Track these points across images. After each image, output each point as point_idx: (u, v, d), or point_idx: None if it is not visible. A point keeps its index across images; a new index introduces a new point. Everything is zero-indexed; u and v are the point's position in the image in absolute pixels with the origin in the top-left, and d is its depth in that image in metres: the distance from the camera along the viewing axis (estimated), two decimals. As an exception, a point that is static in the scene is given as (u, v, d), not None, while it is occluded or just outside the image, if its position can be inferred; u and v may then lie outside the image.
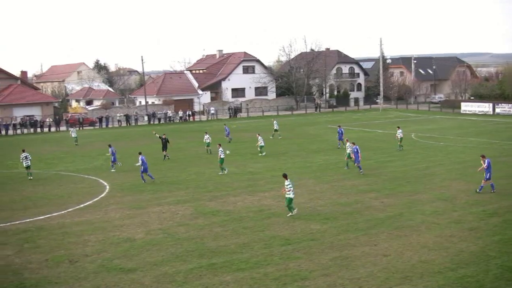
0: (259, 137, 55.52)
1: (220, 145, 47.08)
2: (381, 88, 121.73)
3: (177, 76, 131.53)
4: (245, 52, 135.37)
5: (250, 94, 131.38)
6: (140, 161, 43.02)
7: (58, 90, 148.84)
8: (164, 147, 54.42)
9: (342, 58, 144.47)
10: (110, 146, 50.88)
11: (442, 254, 24.09)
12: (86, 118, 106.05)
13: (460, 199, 34.34)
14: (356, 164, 44.12)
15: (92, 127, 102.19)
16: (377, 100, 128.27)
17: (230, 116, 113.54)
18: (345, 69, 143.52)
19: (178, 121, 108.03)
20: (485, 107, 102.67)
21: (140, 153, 43.96)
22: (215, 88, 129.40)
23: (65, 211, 34.56)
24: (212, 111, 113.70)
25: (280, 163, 50.68)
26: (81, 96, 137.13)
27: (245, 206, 34.11)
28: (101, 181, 44.25)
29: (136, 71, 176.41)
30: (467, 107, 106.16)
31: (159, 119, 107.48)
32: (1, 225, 31.81)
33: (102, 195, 39.22)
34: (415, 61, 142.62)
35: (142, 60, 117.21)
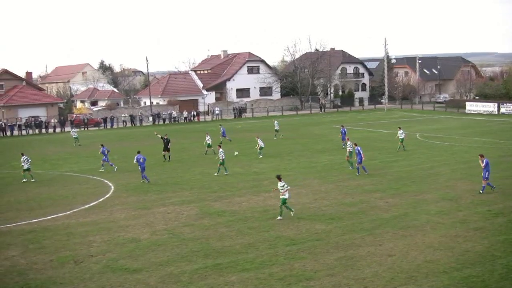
0: (258, 140, 55.33)
1: (220, 146, 47.01)
2: (386, 88, 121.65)
3: (181, 76, 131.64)
4: (249, 53, 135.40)
5: (255, 94, 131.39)
6: (135, 160, 43.19)
7: (63, 90, 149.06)
8: (165, 148, 54.24)
9: (347, 58, 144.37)
10: (102, 146, 50.99)
11: (447, 254, 24.05)
12: (91, 118, 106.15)
13: (465, 199, 34.28)
14: (357, 164, 43.93)
15: (97, 128, 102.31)
16: (381, 100, 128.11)
17: (235, 116, 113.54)
18: (350, 69, 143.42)
19: (183, 121, 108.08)
20: (490, 107, 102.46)
21: (138, 152, 44.07)
22: (219, 89, 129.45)
23: (70, 212, 34.60)
24: (217, 112, 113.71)
25: (285, 163, 50.67)
26: (86, 97, 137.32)
27: (250, 207, 34.11)
28: (106, 181, 44.30)
29: (141, 71, 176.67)
30: (472, 107, 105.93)
31: (164, 120, 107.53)
32: (7, 225, 31.87)
33: (107, 195, 39.26)
34: (419, 61, 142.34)
35: (147, 60, 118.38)
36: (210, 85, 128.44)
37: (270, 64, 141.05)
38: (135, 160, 43.48)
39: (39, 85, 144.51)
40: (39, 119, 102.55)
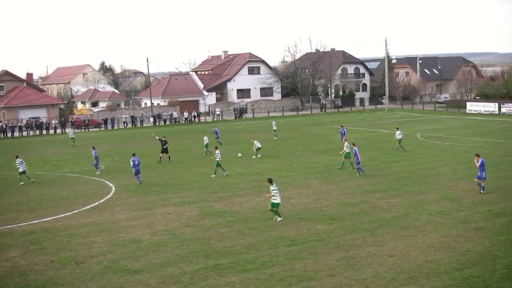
0: (255, 142, 55.25)
1: (217, 147, 46.93)
2: (387, 88, 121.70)
3: (182, 77, 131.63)
4: (250, 53, 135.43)
5: (255, 95, 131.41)
6: (132, 163, 43.18)
7: (63, 92, 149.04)
8: (163, 150, 54.11)
9: (348, 58, 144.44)
10: (93, 148, 50.95)
11: (448, 254, 24.04)
12: (91, 119, 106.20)
13: (466, 199, 34.26)
14: (356, 165, 43.86)
15: (97, 129, 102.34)
16: (382, 100, 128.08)
17: (235, 117, 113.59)
18: (351, 69, 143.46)
19: (183, 122, 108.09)
20: (491, 107, 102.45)
21: (133, 154, 44.05)
22: (220, 89, 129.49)
23: (71, 213, 34.60)
24: (218, 112, 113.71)
25: (286, 163, 50.67)
26: (87, 98, 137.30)
27: (251, 207, 34.09)
28: (107, 182, 44.30)
29: (142, 72, 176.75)
30: (472, 106, 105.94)
31: (165, 121, 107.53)
32: (7, 226, 31.86)
33: (108, 196, 39.27)
34: (420, 61, 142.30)
35: (147, 61, 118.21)
36: (211, 85, 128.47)
37: (271, 64, 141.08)
38: (131, 163, 43.45)
39: (40, 86, 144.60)
40: (40, 120, 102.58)
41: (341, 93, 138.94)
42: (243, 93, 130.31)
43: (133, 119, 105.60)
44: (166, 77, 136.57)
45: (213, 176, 45.08)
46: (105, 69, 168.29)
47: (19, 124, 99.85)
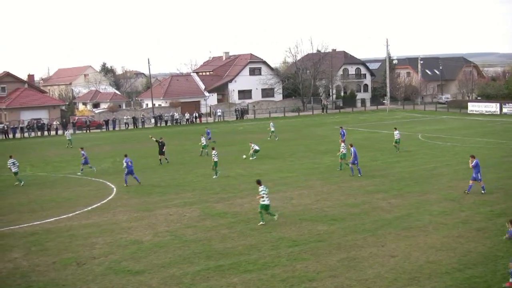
0: (252, 145, 55.18)
1: (214, 148, 46.87)
2: (388, 89, 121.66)
3: (183, 78, 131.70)
4: (251, 54, 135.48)
5: (256, 96, 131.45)
6: (124, 164, 43.14)
7: (65, 93, 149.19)
8: (161, 151, 53.98)
9: (349, 59, 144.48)
10: (82, 149, 50.92)
11: (449, 254, 24.04)
12: (93, 121, 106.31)
13: (467, 199, 34.25)
14: (351, 164, 43.70)
15: (99, 130, 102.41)
16: (383, 101, 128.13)
17: (237, 118, 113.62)
18: (352, 70, 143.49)
19: (185, 123, 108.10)
20: (492, 107, 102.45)
21: (126, 155, 43.98)
22: (221, 90, 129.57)
23: (73, 214, 34.61)
24: (219, 113, 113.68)
25: (287, 164, 50.67)
26: (88, 99, 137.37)
27: (252, 208, 34.05)
28: (108, 183, 44.31)
29: (143, 73, 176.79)
30: (474, 107, 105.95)
31: (166, 122, 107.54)
32: (9, 228, 31.88)
33: (110, 197, 39.28)
34: (421, 62, 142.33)
35: (148, 62, 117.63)
36: (212, 86, 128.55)
37: (272, 65, 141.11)
38: (124, 164, 43.37)
39: (41, 88, 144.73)
40: (41, 122, 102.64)
41: (342, 93, 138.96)
42: (244, 94, 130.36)
43: (134, 120, 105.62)
44: (168, 78, 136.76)
45: (214, 177, 45.08)
46: (107, 70, 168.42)
47: (20, 125, 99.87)
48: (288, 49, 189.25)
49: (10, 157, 46.89)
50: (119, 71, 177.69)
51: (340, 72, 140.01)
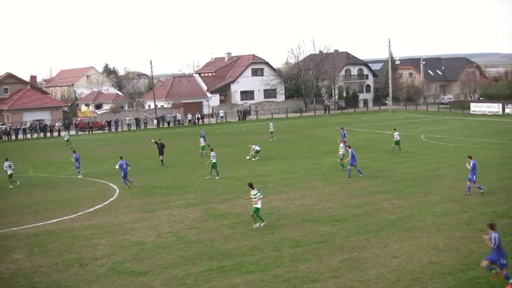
0: (252, 146, 55.15)
1: (212, 149, 46.84)
2: (390, 89, 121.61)
3: (186, 79, 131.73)
4: (253, 55, 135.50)
5: (259, 97, 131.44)
6: (118, 166, 43.07)
7: (67, 94, 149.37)
8: (161, 152, 53.82)
9: (351, 59, 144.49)
10: (74, 152, 50.86)
11: (452, 255, 24.02)
12: (95, 122, 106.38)
13: (470, 200, 34.22)
14: (349, 165, 43.67)
15: (101, 131, 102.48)
16: (386, 102, 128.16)
17: (239, 119, 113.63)
18: (354, 70, 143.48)
19: (187, 124, 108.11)
20: (495, 107, 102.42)
21: (121, 158, 43.92)
22: (224, 91, 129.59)
23: (75, 215, 34.64)
24: (221, 114, 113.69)
25: (290, 165, 50.66)
26: (90, 100, 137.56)
27: (255, 209, 34.07)
28: (111, 184, 44.32)
29: (145, 74, 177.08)
30: (476, 107, 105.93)
31: (168, 123, 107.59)
32: (12, 229, 31.92)
33: (112, 198, 39.31)
34: (424, 62, 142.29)
35: (151, 63, 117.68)
36: (214, 87, 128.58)
37: (274, 66, 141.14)
38: (117, 166, 43.34)
39: (44, 89, 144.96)
40: (44, 123, 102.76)
41: (344, 94, 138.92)
42: (247, 94, 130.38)
43: (137, 121, 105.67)
44: (170, 79, 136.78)
45: (217, 178, 45.08)
46: (109, 71, 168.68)
47: (23, 126, 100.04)
48: (290, 49, 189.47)
49: (6, 159, 46.68)
50: (121, 72, 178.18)
51: (343, 72, 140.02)
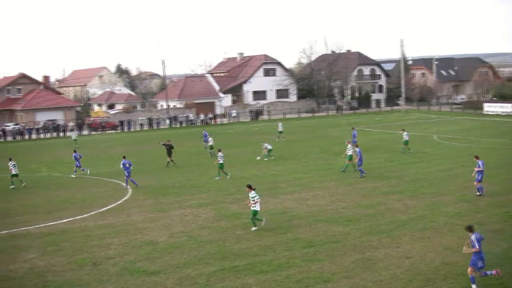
0: (265, 144, 55.08)
1: (220, 150, 46.85)
2: (403, 90, 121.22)
3: (198, 79, 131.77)
4: (265, 55, 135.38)
5: (271, 97, 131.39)
6: (121, 166, 43.06)
7: (80, 94, 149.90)
8: (169, 154, 53.69)
9: (363, 59, 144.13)
10: (75, 151, 50.92)
11: (465, 256, 23.87)
12: (108, 122, 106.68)
13: (482, 200, 34.07)
14: (358, 166, 43.68)
15: (114, 131, 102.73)
16: (398, 102, 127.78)
17: (251, 119, 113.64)
18: (366, 70, 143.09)
19: (199, 124, 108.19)
20: (508, 108, 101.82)
21: (124, 157, 43.93)
22: (236, 91, 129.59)
23: (88, 215, 34.75)
24: (234, 114, 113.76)
25: (302, 165, 50.63)
26: (103, 100, 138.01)
27: (267, 209, 34.04)
28: (124, 184, 44.37)
29: (158, 74, 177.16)
30: (489, 107, 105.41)
31: (181, 123, 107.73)
32: (25, 228, 32.06)
33: (125, 198, 39.39)
34: (436, 62, 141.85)
35: (163, 63, 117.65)
36: (227, 87, 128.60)
37: (287, 66, 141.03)
38: (121, 166, 43.33)
39: (57, 89, 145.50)
40: (57, 123, 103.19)
41: (357, 94, 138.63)
42: (259, 95, 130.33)
43: (150, 121, 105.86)
44: (182, 79, 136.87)
45: (225, 177, 45.10)
46: (121, 72, 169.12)
47: (36, 126, 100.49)
48: (302, 50, 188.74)
49: (10, 159, 46.67)
50: (134, 72, 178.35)
51: (355, 73, 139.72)
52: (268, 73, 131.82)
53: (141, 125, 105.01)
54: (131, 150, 68.37)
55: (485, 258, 20.74)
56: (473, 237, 20.57)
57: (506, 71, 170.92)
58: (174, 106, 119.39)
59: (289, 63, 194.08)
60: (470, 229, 20.81)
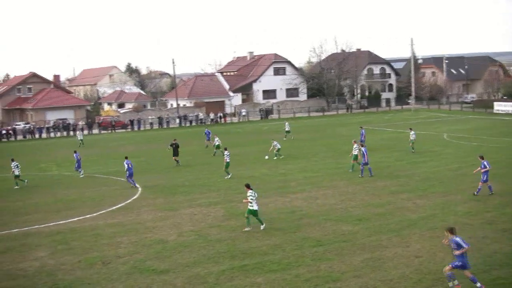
0: (275, 142, 55.05)
1: (226, 148, 46.85)
2: (413, 89, 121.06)
3: (208, 78, 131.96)
4: (275, 54, 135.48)
5: (281, 96, 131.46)
6: (126, 166, 43.09)
7: (90, 93, 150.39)
8: (175, 153, 53.60)
9: (373, 58, 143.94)
10: (75, 152, 50.91)
11: (475, 255, 23.80)
12: (118, 121, 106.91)
13: (493, 199, 33.98)
14: (361, 165, 43.56)
15: (124, 130, 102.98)
16: (408, 101, 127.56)
17: (261, 118, 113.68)
18: (376, 69, 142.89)
19: (209, 123, 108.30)
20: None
21: (126, 158, 43.96)
22: (246, 90, 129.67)
23: (98, 213, 34.83)
24: (244, 113, 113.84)
25: (311, 164, 50.61)
26: (113, 99, 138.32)
27: (277, 208, 34.08)
28: (133, 183, 44.40)
29: (168, 73, 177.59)
30: (500, 106, 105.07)
31: (191, 122, 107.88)
32: (35, 226, 32.17)
33: (134, 197, 39.47)
34: (446, 61, 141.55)
35: (173, 63, 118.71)
36: (237, 86, 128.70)
37: (296, 65, 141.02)
38: (125, 166, 43.29)
39: (67, 88, 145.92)
40: (67, 122, 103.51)
41: (367, 93, 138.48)
42: (269, 94, 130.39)
43: (160, 120, 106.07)
44: (192, 78, 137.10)
45: (227, 177, 45.00)
46: (131, 71, 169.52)
47: (46, 125, 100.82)
48: (312, 48, 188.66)
49: (12, 160, 46.64)
50: (144, 71, 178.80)
51: (365, 71, 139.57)
52: (278, 72, 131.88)
53: (151, 124, 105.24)
54: (141, 149, 68.61)
55: (467, 261, 20.45)
56: (455, 239, 20.23)
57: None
58: (184, 105, 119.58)
59: (299, 62, 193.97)
60: (451, 231, 20.53)
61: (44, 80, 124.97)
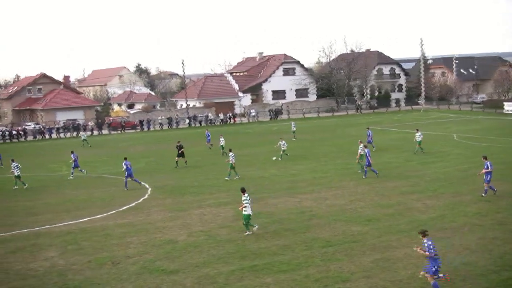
0: (282, 141, 54.97)
1: (231, 150, 46.78)
2: (423, 89, 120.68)
3: (217, 78, 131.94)
4: (285, 54, 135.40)
5: (290, 96, 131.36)
6: (124, 166, 43.07)
7: (100, 94, 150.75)
8: (179, 154, 53.29)
9: (383, 58, 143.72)
10: (72, 152, 50.87)
11: (485, 256, 23.79)
12: (127, 121, 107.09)
13: (503, 200, 33.87)
14: (364, 166, 43.48)
15: (133, 130, 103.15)
16: (418, 101, 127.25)
17: (271, 118, 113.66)
18: (386, 69, 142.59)
19: (219, 123, 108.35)
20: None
21: (125, 158, 43.96)
22: (255, 90, 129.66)
23: (108, 214, 34.92)
24: (253, 113, 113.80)
25: (321, 165, 50.57)
26: (123, 100, 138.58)
27: (286, 208, 34.09)
28: (143, 183, 44.51)
29: (177, 74, 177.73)
30: (510, 107, 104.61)
31: (200, 122, 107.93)
32: (46, 227, 32.27)
33: (144, 197, 39.54)
34: (456, 61, 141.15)
35: (183, 63, 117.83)
36: (246, 87, 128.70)
37: (306, 65, 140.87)
38: (124, 167, 43.22)
39: (77, 89, 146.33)
40: (77, 122, 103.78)
41: (376, 93, 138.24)
42: (278, 94, 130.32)
43: (170, 120, 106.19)
44: (202, 78, 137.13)
45: (226, 178, 44.90)
46: (141, 71, 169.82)
47: (56, 126, 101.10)
48: (322, 49, 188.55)
49: (12, 160, 46.59)
50: (153, 72, 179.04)
51: (374, 72, 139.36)
52: (288, 72, 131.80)
53: (161, 124, 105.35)
54: (150, 149, 68.72)
55: (440, 264, 20.36)
56: (427, 242, 20.17)
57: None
58: (194, 105, 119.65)
59: (309, 63, 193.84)
60: (424, 233, 20.41)
61: (54, 81, 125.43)
